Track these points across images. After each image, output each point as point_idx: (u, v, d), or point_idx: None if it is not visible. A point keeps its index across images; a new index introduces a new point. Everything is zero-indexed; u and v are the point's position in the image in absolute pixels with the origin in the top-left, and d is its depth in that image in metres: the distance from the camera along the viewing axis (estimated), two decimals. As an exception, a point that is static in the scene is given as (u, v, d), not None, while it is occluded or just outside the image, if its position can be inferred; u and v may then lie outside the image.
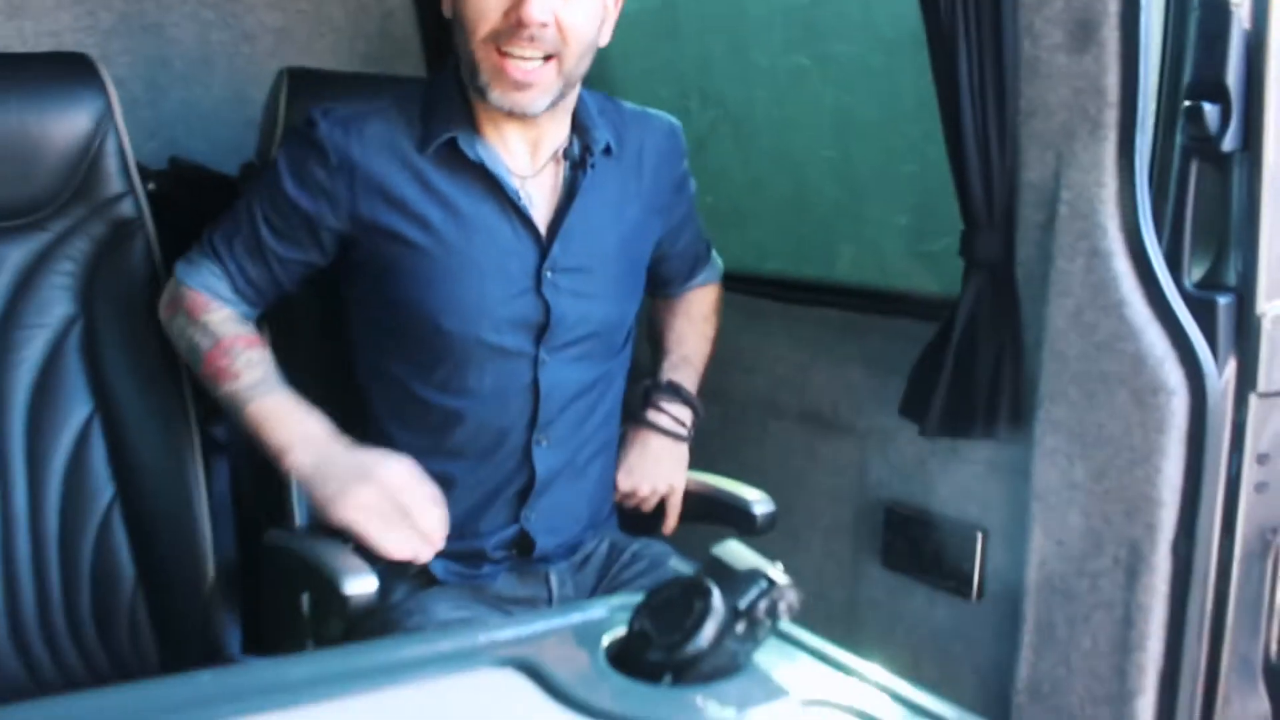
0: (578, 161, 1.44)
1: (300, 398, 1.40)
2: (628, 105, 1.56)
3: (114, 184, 1.58)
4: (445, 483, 1.44)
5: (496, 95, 1.33)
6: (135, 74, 2.30)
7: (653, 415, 1.59)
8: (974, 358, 1.48)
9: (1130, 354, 1.33)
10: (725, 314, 1.72)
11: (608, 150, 1.45)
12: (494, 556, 1.49)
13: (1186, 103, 1.37)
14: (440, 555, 1.43)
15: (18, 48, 2.17)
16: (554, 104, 1.36)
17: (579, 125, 1.44)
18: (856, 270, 1.99)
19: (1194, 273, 1.42)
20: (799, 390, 1.82)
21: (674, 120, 1.58)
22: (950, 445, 1.57)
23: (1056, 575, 1.42)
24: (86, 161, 1.55)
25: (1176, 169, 1.42)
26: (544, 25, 1.29)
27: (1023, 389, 1.47)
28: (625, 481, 1.59)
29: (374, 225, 1.41)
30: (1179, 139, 1.41)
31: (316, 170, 1.39)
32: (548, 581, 1.51)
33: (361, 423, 1.49)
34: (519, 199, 1.40)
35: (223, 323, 1.43)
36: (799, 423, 1.82)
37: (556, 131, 1.43)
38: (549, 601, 1.50)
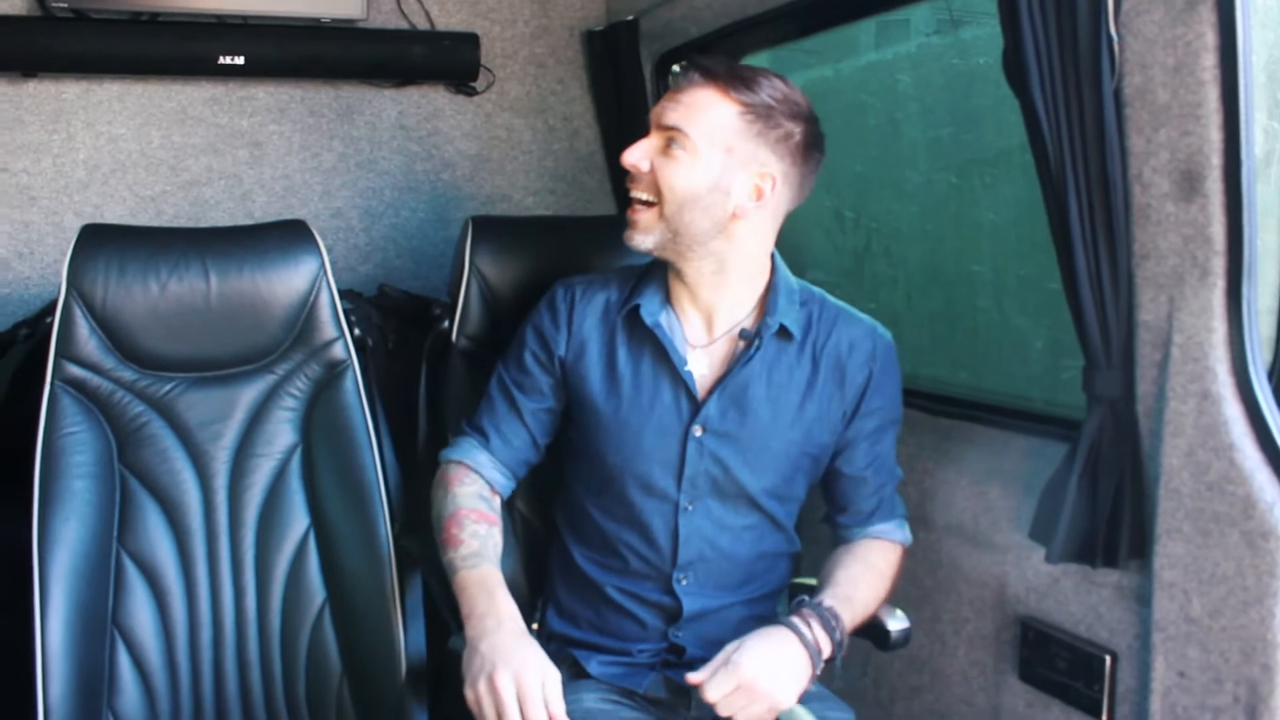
0: (750, 339, 1.62)
1: (499, 577, 1.54)
2: (834, 301, 1.70)
3: (328, 330, 1.85)
4: (604, 590, 1.66)
5: (625, 233, 1.61)
6: (352, 205, 2.61)
7: (797, 622, 1.49)
8: (1096, 488, 1.53)
9: (1241, 497, 1.36)
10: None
11: (787, 334, 1.62)
12: (643, 662, 1.65)
13: (1303, 245, 1.40)
14: (598, 650, 1.63)
15: (257, 190, 2.52)
16: (664, 248, 1.58)
17: (767, 308, 1.63)
18: (999, 384, 2.05)
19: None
20: (946, 503, 1.90)
21: (881, 330, 1.69)
22: (1082, 567, 1.62)
23: (1179, 706, 1.46)
24: (305, 312, 1.83)
25: (1298, 309, 1.44)
26: (637, 168, 1.57)
27: (1144, 521, 1.51)
28: (723, 654, 1.44)
29: (573, 370, 1.68)
30: (1298, 279, 1.43)
31: (548, 325, 1.69)
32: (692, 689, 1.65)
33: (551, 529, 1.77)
34: (682, 364, 1.62)
35: (468, 496, 1.64)
36: (945, 534, 1.90)
37: (729, 306, 1.63)
38: (690, 706, 1.64)
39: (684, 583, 1.64)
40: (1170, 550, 1.46)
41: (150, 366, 1.79)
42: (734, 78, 1.54)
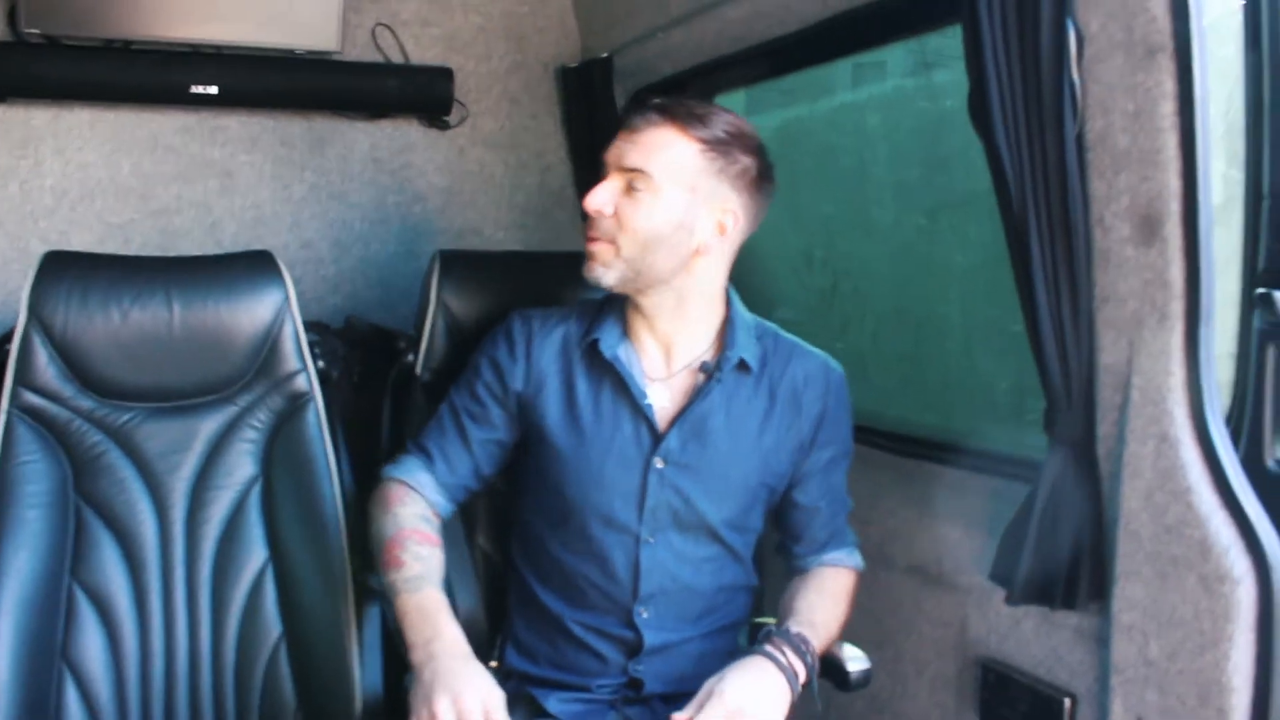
0: (710, 372, 1.62)
1: (442, 600, 1.52)
2: (787, 336, 1.72)
3: (291, 362, 1.84)
4: (563, 623, 1.64)
5: (585, 266, 1.59)
6: (322, 236, 2.61)
7: (770, 649, 1.50)
8: (1056, 529, 1.54)
9: (1197, 540, 1.36)
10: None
11: (745, 367, 1.63)
12: (602, 698, 1.64)
13: (1260, 290, 1.42)
14: (557, 688, 1.61)
15: (227, 219, 2.51)
16: (625, 284, 1.58)
17: (726, 341, 1.64)
18: (964, 425, 2.05)
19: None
20: (908, 543, 1.90)
21: (833, 363, 1.72)
22: (1043, 609, 1.62)
23: (1138, 750, 1.46)
24: (269, 343, 1.82)
25: (1255, 352, 1.46)
26: (600, 213, 1.56)
27: (1104, 563, 1.51)
28: (704, 690, 1.46)
29: (531, 405, 1.66)
30: (1256, 323, 1.45)
31: (504, 357, 1.67)
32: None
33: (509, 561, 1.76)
34: (642, 397, 1.62)
35: (409, 516, 1.62)
36: (907, 575, 1.90)
37: (688, 340, 1.64)
38: None
39: (644, 615, 1.63)
40: (1129, 593, 1.46)
41: (109, 395, 1.77)
42: (691, 115, 1.55)
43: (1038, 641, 1.65)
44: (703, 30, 2.23)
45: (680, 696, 1.64)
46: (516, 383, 1.66)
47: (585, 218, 1.61)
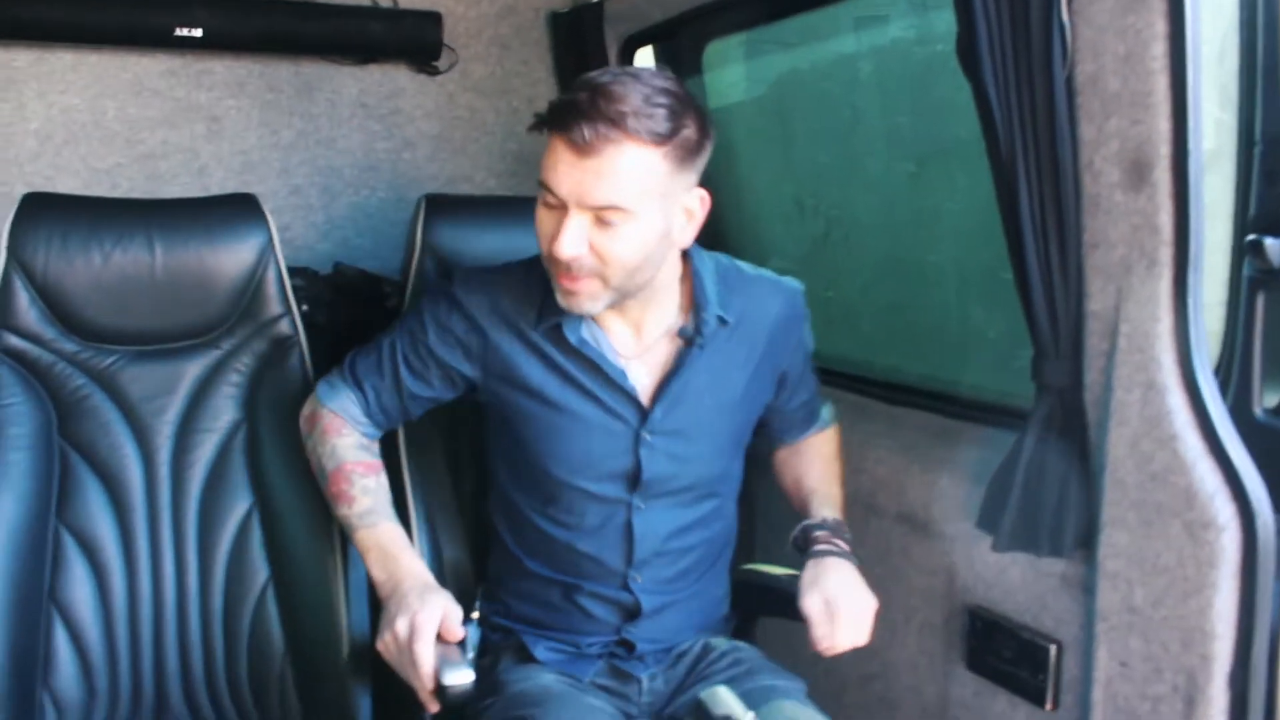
0: (690, 338, 1.57)
1: (399, 531, 1.59)
2: (749, 270, 1.67)
3: (274, 306, 1.82)
4: (551, 594, 1.64)
5: (559, 297, 1.48)
6: (311, 182, 2.58)
7: (833, 545, 1.62)
8: (1043, 477, 1.53)
9: (1182, 487, 1.36)
10: (837, 411, 1.89)
11: (722, 322, 1.58)
12: (593, 653, 1.64)
13: (1250, 237, 1.40)
14: (545, 638, 1.61)
15: (214, 164, 2.48)
16: (614, 304, 1.50)
17: (696, 302, 1.57)
18: (952, 374, 2.05)
19: (1269, 400, 1.44)
20: (897, 492, 1.90)
21: (796, 285, 1.70)
22: (1029, 557, 1.62)
23: (1120, 696, 1.46)
24: (252, 287, 1.80)
25: (1244, 300, 1.44)
26: (578, 260, 1.41)
27: (1090, 510, 1.51)
28: (815, 606, 1.53)
29: (499, 385, 1.60)
30: (1246, 271, 1.44)
31: (456, 325, 1.59)
32: (640, 676, 1.64)
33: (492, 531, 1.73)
34: (623, 378, 1.56)
35: (348, 448, 1.62)
36: (896, 523, 1.90)
37: (658, 314, 1.57)
38: (640, 692, 1.64)
39: (639, 581, 1.63)
40: (1114, 540, 1.45)
41: (92, 339, 1.75)
42: (642, 115, 1.36)
43: (1024, 589, 1.65)
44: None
45: (669, 650, 1.65)
46: (475, 352, 1.59)
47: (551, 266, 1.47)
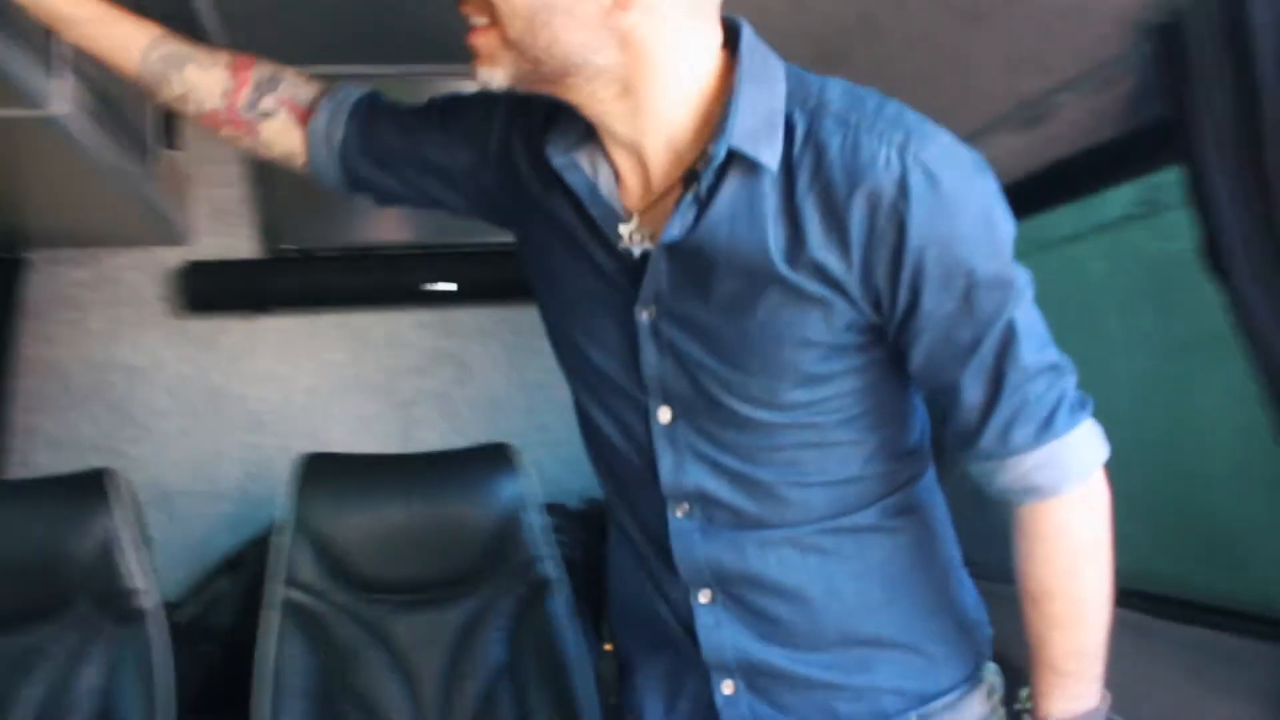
0: (692, 180, 1.05)
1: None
2: (847, 101, 1.03)
3: (533, 550, 1.91)
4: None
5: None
6: (558, 419, 2.65)
7: None
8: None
9: None
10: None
11: (746, 165, 1.02)
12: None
13: None
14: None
15: (464, 407, 2.63)
16: (528, 81, 1.04)
17: (718, 127, 1.03)
18: (1241, 586, 1.90)
19: None
20: None
21: (920, 147, 0.98)
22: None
23: None
24: (510, 533, 1.90)
25: None
26: None
27: None
28: None
29: (515, 220, 1.23)
30: None
31: (514, 135, 1.19)
32: None
33: None
34: (614, 236, 1.10)
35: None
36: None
37: (663, 146, 1.07)
38: None
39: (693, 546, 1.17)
40: None
41: (364, 589, 1.87)
42: None
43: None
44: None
45: None
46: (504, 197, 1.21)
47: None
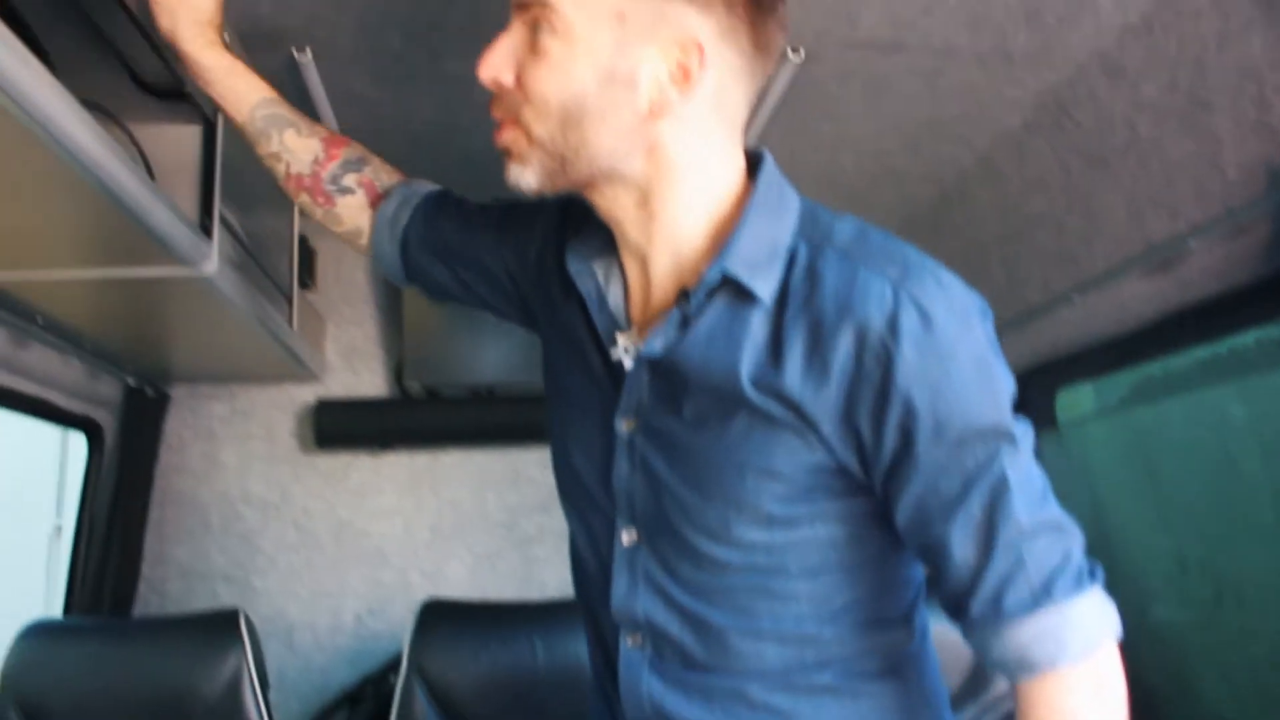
0: (684, 298, 1.04)
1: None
2: (853, 235, 1.02)
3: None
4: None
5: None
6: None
7: None
8: None
9: None
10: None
11: (739, 291, 1.01)
12: None
13: None
14: None
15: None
16: (556, 180, 1.04)
17: (722, 248, 1.03)
18: None
19: None
20: None
21: (919, 284, 0.96)
22: None
23: None
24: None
25: None
26: (497, 83, 1.05)
27: None
28: None
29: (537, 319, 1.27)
30: None
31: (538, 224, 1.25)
32: None
33: None
34: (605, 338, 1.11)
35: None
36: None
37: (670, 257, 1.07)
38: None
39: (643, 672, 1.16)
40: None
41: (480, 737, 1.85)
42: None
43: None
44: (1037, 332, 2.19)
45: None
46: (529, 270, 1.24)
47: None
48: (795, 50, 1.63)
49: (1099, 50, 1.63)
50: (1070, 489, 2.19)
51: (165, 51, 1.36)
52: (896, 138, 2.04)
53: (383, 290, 2.67)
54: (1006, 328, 2.24)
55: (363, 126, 1.97)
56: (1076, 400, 2.42)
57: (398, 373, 2.63)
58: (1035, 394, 2.46)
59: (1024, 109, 1.85)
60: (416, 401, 2.61)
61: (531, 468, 2.68)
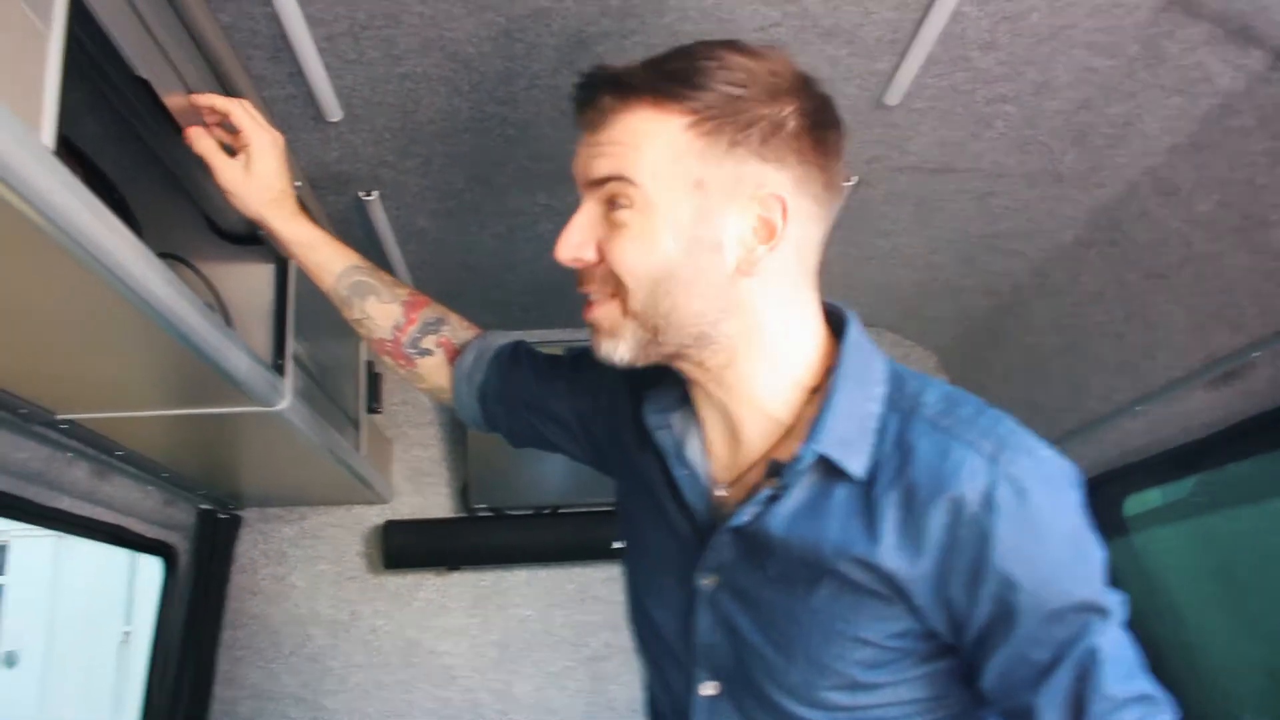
0: (777, 472, 1.04)
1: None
2: (940, 406, 1.01)
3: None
4: None
5: (593, 346, 1.10)
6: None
7: None
8: None
9: None
10: None
11: (833, 471, 1.01)
12: None
13: None
14: None
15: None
16: (651, 353, 1.05)
17: (815, 423, 1.03)
18: None
19: None
20: None
21: (1011, 461, 0.95)
22: None
23: None
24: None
25: None
26: (581, 261, 1.06)
27: None
28: None
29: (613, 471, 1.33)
30: None
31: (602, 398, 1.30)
32: None
33: None
34: (692, 501, 1.11)
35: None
36: None
37: (757, 419, 1.08)
38: None
39: None
40: None
41: None
42: (664, 75, 1.01)
43: None
44: (1102, 440, 2.17)
45: None
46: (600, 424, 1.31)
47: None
48: (848, 178, 1.67)
49: (1149, 169, 1.65)
50: (1143, 596, 2.14)
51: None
52: (950, 252, 2.06)
53: (448, 413, 2.72)
54: (1070, 436, 2.22)
55: (428, 260, 2.05)
56: (1145, 505, 2.38)
57: (463, 493, 2.66)
58: (1102, 501, 2.42)
59: (1077, 225, 1.87)
60: (483, 521, 2.64)
61: (598, 586, 2.68)
